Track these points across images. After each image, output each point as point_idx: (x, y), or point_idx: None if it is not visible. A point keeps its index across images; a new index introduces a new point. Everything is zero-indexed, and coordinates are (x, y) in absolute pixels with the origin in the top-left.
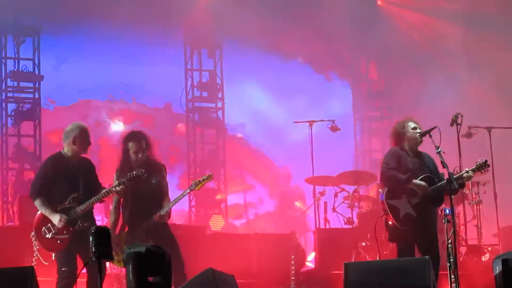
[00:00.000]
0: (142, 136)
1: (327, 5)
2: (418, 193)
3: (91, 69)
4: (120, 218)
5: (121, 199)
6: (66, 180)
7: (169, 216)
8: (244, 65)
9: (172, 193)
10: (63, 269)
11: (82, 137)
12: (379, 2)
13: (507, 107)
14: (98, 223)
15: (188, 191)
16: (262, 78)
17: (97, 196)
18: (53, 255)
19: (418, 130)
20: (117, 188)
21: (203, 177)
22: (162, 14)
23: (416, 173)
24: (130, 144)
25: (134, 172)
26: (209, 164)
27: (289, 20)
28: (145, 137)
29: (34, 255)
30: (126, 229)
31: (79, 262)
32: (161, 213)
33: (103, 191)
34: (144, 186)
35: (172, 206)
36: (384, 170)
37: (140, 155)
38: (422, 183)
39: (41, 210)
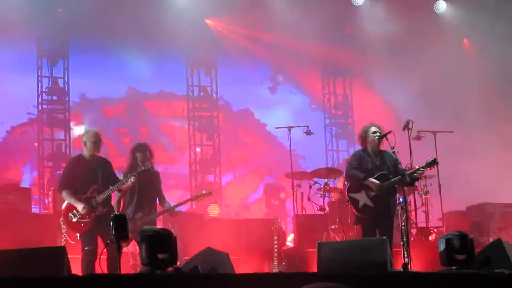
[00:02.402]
0: (147, 147)
1: (304, 25)
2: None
3: (98, 85)
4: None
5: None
6: (86, 175)
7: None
8: (235, 81)
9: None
10: (86, 248)
11: (91, 141)
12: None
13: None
14: None
15: (189, 199)
16: (249, 91)
17: (114, 187)
18: (78, 235)
19: (377, 134)
20: (131, 179)
21: (203, 192)
22: (166, 39)
23: (374, 172)
24: (138, 154)
25: (142, 167)
26: (207, 162)
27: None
28: (149, 149)
29: (63, 236)
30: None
31: (100, 243)
32: (175, 211)
33: (119, 182)
34: (149, 185)
35: (176, 207)
36: (347, 170)
37: (146, 163)
38: (375, 181)
39: (67, 199)
